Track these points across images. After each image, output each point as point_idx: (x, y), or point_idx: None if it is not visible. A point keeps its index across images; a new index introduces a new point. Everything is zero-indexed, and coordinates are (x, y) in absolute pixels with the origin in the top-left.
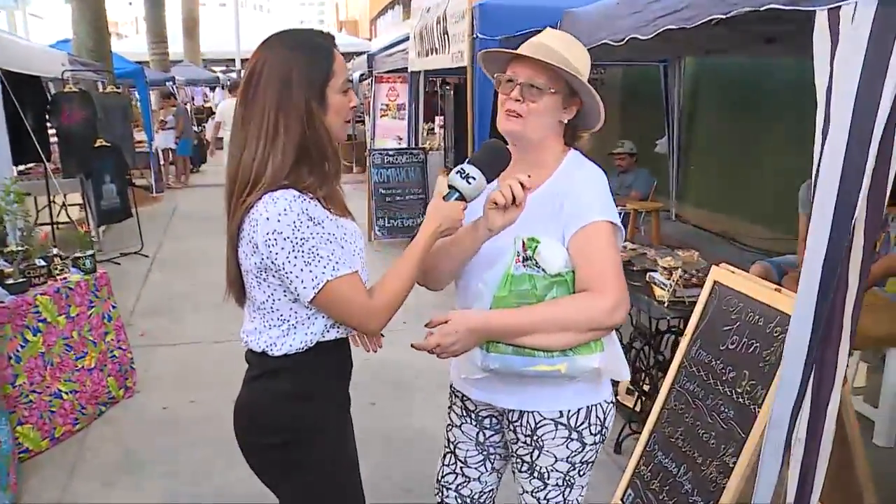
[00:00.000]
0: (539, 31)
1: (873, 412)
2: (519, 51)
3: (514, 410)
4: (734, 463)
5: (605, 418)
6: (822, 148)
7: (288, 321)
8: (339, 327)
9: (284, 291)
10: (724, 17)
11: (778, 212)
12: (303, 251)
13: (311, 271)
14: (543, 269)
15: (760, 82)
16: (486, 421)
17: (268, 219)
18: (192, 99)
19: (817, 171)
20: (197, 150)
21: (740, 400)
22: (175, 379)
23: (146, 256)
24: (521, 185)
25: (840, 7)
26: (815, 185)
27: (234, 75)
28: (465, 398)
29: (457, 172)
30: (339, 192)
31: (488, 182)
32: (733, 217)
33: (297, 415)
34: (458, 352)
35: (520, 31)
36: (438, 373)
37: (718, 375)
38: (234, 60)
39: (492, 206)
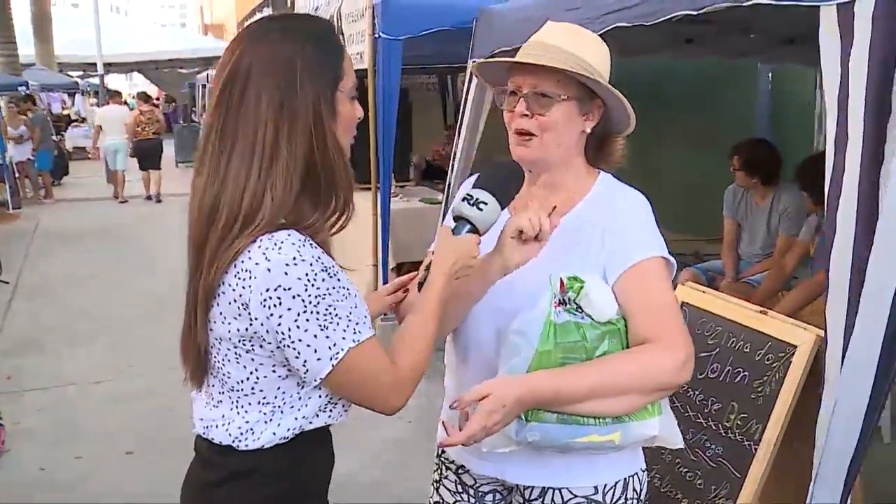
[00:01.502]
0: (449, 31)
1: None
2: (518, 55)
3: (532, 487)
4: None
5: (641, 490)
6: (835, 160)
7: (272, 403)
8: (332, 410)
9: (274, 367)
10: (695, 13)
11: (684, 213)
12: (318, 312)
13: (327, 337)
14: (590, 316)
15: (663, 83)
16: (489, 497)
17: (269, 270)
18: (49, 106)
19: (830, 186)
20: (58, 162)
21: (730, 435)
22: (52, 431)
23: (5, 283)
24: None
25: (854, 2)
26: (829, 202)
27: (95, 80)
28: (462, 471)
29: (463, 199)
30: (330, 238)
31: (503, 208)
32: None
33: None
34: (498, 430)
35: (426, 30)
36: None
37: (699, 407)
38: (94, 65)
39: (514, 235)
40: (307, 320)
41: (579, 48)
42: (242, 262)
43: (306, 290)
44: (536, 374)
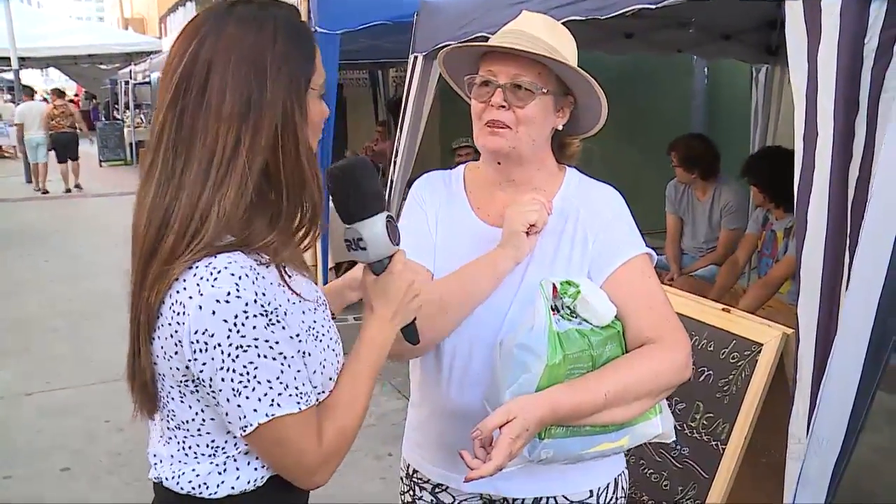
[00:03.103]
0: (383, 25)
1: None
2: (494, 41)
3: (524, 498)
4: None
5: (627, 487)
6: (804, 157)
7: (224, 451)
8: None
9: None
10: (653, 7)
11: None
12: (233, 370)
13: (238, 405)
14: (587, 321)
15: (600, 77)
16: None
17: (199, 307)
18: None
19: (800, 182)
20: None
21: (696, 435)
22: None
23: None
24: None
25: None
26: (799, 196)
27: (8, 76)
28: (438, 489)
29: (348, 249)
30: (299, 249)
31: (376, 215)
32: None
33: None
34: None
35: (364, 24)
36: None
37: None
38: (8, 59)
39: (525, 229)
40: (222, 379)
41: (558, 41)
42: (178, 292)
43: (228, 338)
44: (554, 391)
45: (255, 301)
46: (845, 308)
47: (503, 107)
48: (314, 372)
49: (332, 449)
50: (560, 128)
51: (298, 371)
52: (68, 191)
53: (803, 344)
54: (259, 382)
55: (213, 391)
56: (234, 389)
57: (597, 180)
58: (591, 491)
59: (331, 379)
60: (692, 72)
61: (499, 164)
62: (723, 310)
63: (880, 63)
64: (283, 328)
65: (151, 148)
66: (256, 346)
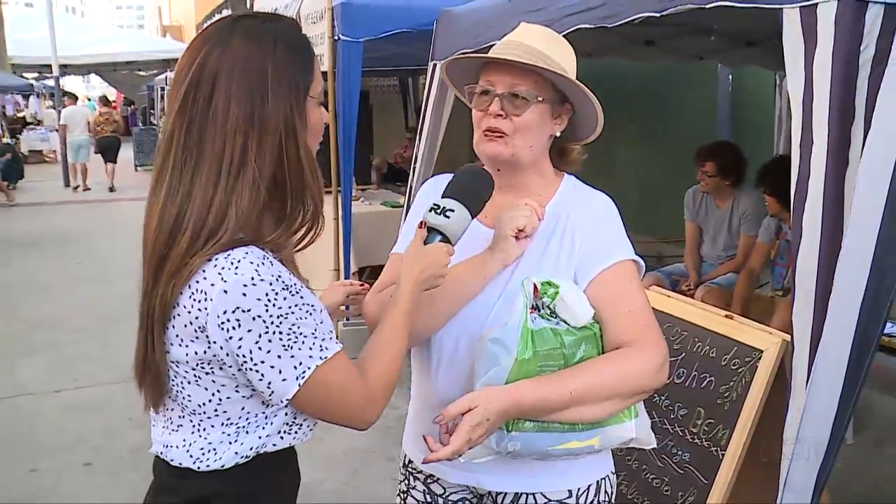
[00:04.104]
0: (410, 33)
1: None
2: (492, 53)
3: (505, 493)
4: None
5: (612, 492)
6: (801, 164)
7: (236, 424)
8: (297, 430)
9: (237, 387)
10: (657, 15)
11: (645, 215)
12: (280, 332)
13: (292, 357)
14: (564, 321)
15: (624, 85)
16: None
17: (225, 291)
18: (3, 108)
19: (796, 189)
20: (12, 165)
21: (697, 441)
22: (8, 443)
23: None
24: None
25: (817, 5)
26: (795, 204)
27: (50, 82)
28: (430, 480)
29: (430, 210)
30: (292, 252)
31: (473, 216)
32: None
33: None
34: (481, 442)
35: (387, 32)
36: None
37: (665, 413)
38: (49, 66)
39: (513, 233)
40: (269, 341)
41: (554, 51)
42: (197, 282)
43: (267, 310)
44: (519, 385)
45: (278, 279)
46: (829, 314)
47: (500, 115)
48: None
49: (377, 386)
50: (558, 134)
51: (325, 322)
52: (112, 189)
53: (797, 351)
54: (305, 336)
55: (252, 364)
56: (284, 346)
57: (592, 188)
58: (569, 491)
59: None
60: (716, 79)
61: (498, 170)
62: (726, 316)
63: (877, 71)
64: (304, 296)
65: (161, 154)
66: (292, 312)
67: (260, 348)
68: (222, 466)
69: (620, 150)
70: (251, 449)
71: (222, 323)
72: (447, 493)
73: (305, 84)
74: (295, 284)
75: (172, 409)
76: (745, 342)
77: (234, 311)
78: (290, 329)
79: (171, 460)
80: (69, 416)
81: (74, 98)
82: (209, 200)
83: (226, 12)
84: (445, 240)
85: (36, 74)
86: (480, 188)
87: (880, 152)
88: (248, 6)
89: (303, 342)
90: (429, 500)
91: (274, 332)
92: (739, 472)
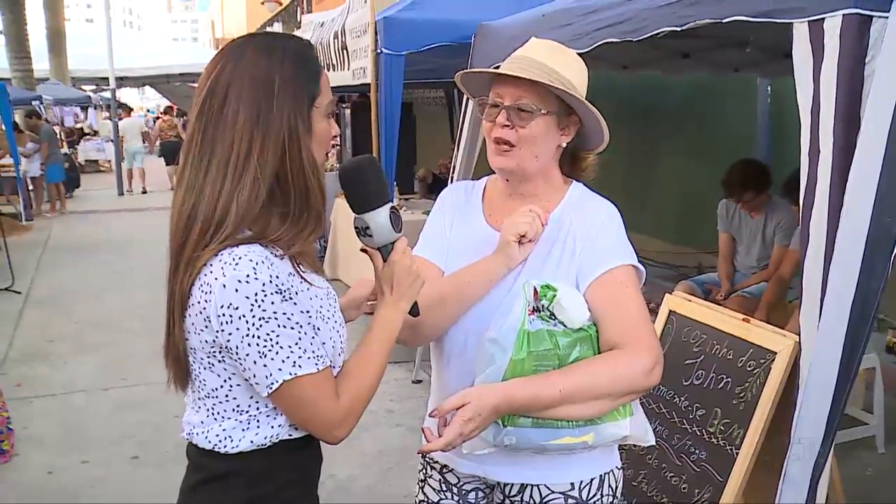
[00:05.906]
0: (452, 46)
1: (868, 417)
2: (501, 68)
3: (512, 484)
4: None
5: (616, 487)
6: (808, 172)
7: (247, 412)
8: None
9: (246, 376)
10: (679, 29)
11: (685, 225)
12: (258, 337)
13: (265, 365)
14: (562, 323)
15: (663, 96)
16: (472, 495)
17: (224, 286)
18: (63, 120)
19: (805, 196)
20: (70, 175)
21: (713, 440)
22: (61, 436)
23: (17, 293)
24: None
25: (824, 19)
26: (804, 213)
27: (107, 94)
28: (445, 470)
29: (358, 236)
30: (313, 247)
31: (384, 203)
32: (632, 231)
33: None
34: (475, 436)
35: (427, 46)
36: None
37: (684, 413)
38: (106, 79)
39: (515, 239)
40: (248, 344)
41: (560, 65)
42: (205, 275)
43: (251, 310)
44: (512, 382)
45: (271, 282)
46: (822, 316)
47: (507, 125)
48: (323, 344)
49: (348, 407)
50: (565, 144)
51: (313, 338)
52: (173, 189)
53: (805, 351)
54: (281, 347)
55: (239, 358)
56: (259, 353)
57: (598, 195)
58: (572, 484)
59: (339, 355)
60: (756, 91)
61: (507, 180)
62: (743, 319)
63: None
64: (295, 304)
65: (182, 155)
66: (276, 318)
67: (241, 347)
68: (240, 452)
69: (664, 162)
70: (266, 438)
71: (219, 316)
72: (461, 483)
73: (311, 95)
74: (290, 290)
75: (194, 391)
76: (759, 344)
77: (227, 307)
78: (267, 336)
79: (197, 444)
80: (118, 413)
81: (129, 110)
82: (217, 195)
83: (277, 25)
84: (390, 245)
85: (93, 87)
86: (367, 179)
87: (870, 153)
88: (298, 20)
89: (276, 353)
90: (444, 488)
91: (253, 336)
92: (753, 470)
